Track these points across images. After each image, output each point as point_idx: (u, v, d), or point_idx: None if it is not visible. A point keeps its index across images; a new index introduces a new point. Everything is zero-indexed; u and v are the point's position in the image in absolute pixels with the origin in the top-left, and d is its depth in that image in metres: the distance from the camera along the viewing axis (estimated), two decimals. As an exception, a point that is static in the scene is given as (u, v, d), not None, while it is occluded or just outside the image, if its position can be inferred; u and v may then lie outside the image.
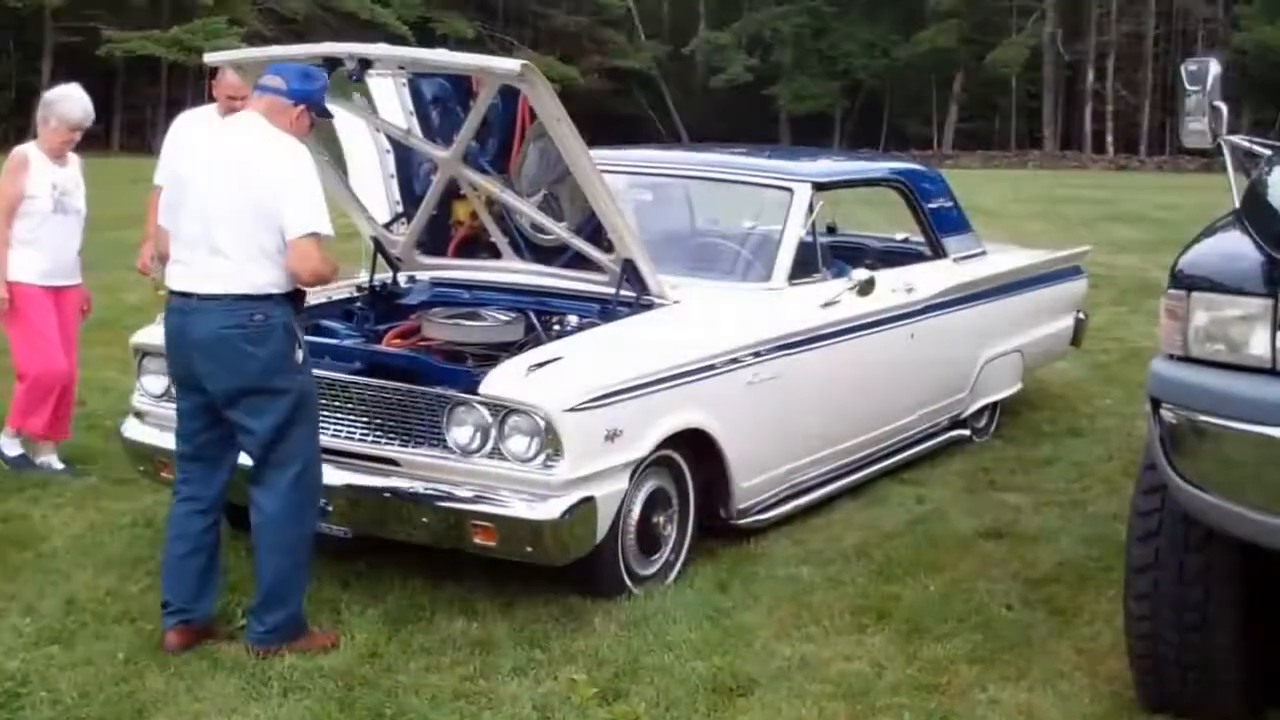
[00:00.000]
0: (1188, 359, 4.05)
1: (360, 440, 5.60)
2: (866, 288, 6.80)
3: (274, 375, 4.90)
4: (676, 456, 5.90)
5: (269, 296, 4.87)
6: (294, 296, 5.00)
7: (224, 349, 4.89)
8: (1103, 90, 61.60)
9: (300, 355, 4.98)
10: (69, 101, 7.29)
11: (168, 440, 6.02)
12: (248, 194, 4.85)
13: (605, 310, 6.20)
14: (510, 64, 5.55)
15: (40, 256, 7.26)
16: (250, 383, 4.90)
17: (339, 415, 5.65)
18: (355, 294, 6.87)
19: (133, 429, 6.28)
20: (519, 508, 5.26)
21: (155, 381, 6.14)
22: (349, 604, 5.51)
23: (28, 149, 7.33)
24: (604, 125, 54.06)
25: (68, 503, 6.86)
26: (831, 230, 8.54)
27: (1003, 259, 8.74)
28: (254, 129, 5.01)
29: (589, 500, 5.32)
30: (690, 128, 63.90)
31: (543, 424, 5.21)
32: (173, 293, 5.03)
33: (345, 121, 6.53)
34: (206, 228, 4.91)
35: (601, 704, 4.72)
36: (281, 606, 5.02)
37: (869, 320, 7.00)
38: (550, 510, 5.23)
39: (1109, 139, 60.76)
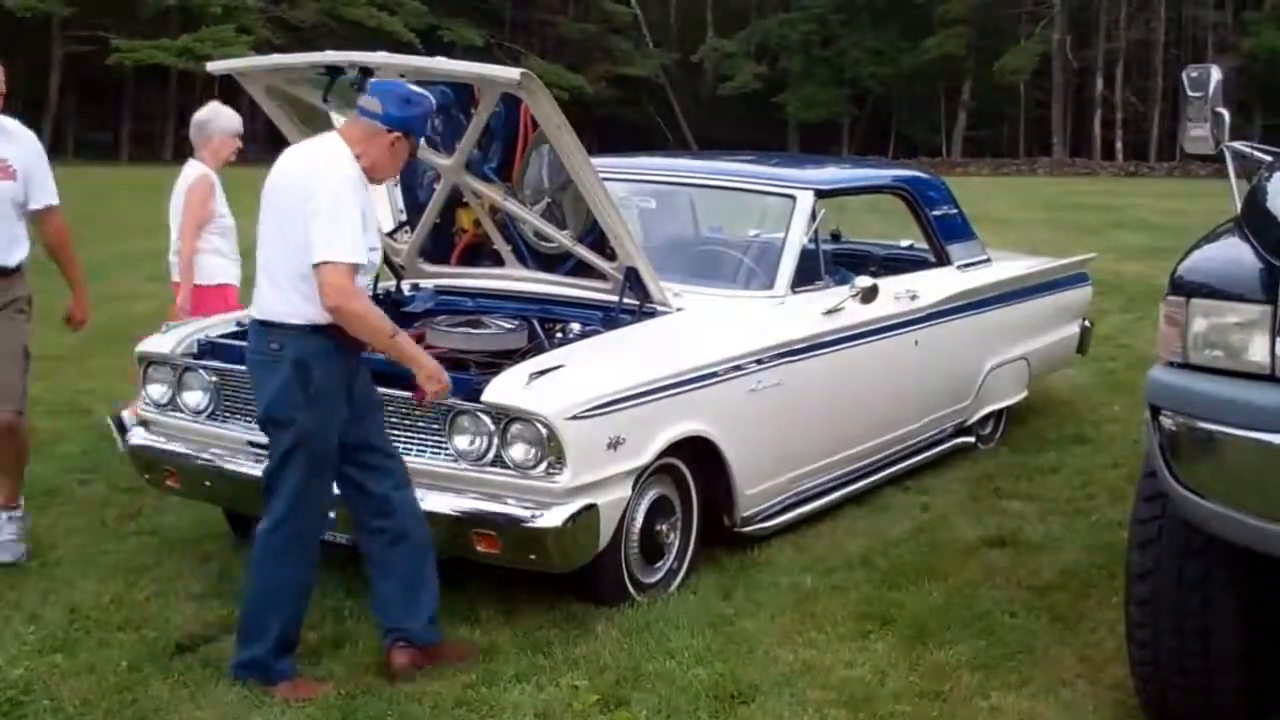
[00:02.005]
0: (1187, 365, 4.05)
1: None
2: (869, 295, 6.80)
3: (275, 407, 4.80)
4: (679, 464, 5.90)
5: (287, 326, 4.75)
6: (324, 330, 4.76)
7: (251, 373, 4.99)
8: (1112, 97, 61.51)
9: (310, 392, 4.73)
10: (225, 113, 7.83)
11: (172, 448, 6.07)
12: (284, 220, 4.77)
13: (608, 318, 6.20)
14: (510, 72, 5.56)
15: (231, 264, 7.84)
16: (260, 410, 4.89)
17: (342, 423, 5.66)
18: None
19: (139, 437, 6.30)
20: (522, 516, 5.27)
21: (160, 390, 6.16)
22: (352, 611, 5.52)
23: (207, 170, 7.72)
24: (612, 133, 54.16)
25: (73, 511, 6.88)
26: (835, 237, 8.55)
27: (1008, 266, 8.73)
28: (314, 154, 4.90)
29: (591, 508, 5.32)
30: (698, 135, 63.98)
31: (545, 432, 5.21)
32: None
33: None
34: (258, 252, 4.91)
35: (603, 711, 4.72)
36: (248, 645, 4.85)
37: (872, 328, 7.00)
38: (553, 518, 5.23)
39: (1118, 145, 60.70)
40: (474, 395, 5.32)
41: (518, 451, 5.29)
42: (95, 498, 7.11)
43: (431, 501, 5.35)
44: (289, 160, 4.98)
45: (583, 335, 6.13)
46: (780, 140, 62.40)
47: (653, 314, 6.22)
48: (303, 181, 4.77)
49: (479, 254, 6.85)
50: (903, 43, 63.47)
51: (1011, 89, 62.66)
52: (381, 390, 5.57)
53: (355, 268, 4.69)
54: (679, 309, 6.27)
